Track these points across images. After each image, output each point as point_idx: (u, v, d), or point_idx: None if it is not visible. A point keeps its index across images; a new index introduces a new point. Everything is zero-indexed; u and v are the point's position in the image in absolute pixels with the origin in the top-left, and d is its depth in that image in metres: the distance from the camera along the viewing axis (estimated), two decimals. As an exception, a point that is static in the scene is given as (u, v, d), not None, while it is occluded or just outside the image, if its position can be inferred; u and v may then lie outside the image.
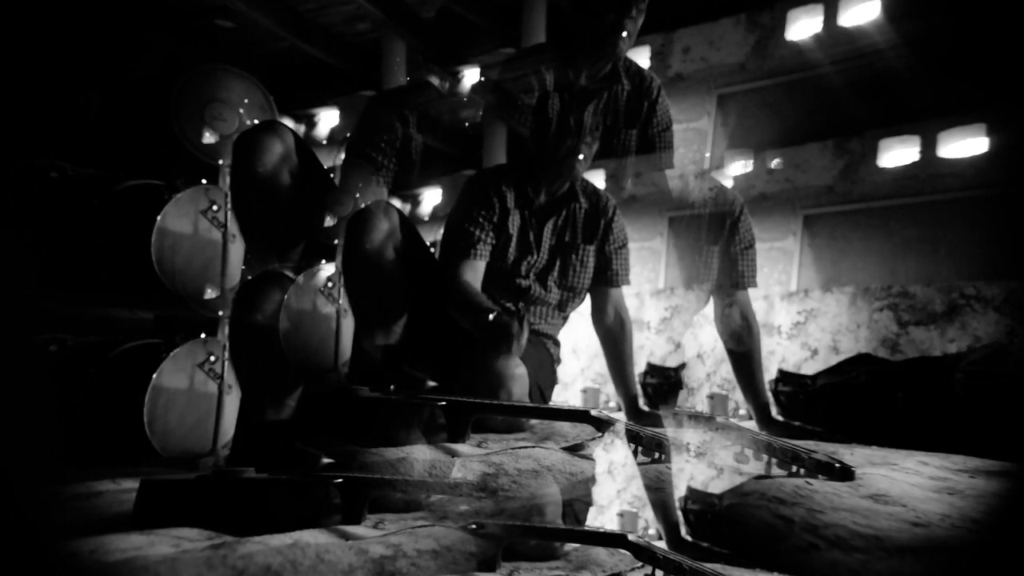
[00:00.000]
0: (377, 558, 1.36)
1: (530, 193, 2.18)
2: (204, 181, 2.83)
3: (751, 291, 2.33)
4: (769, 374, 2.32)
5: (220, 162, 2.84)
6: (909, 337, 2.32)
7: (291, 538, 1.38)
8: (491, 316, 1.89)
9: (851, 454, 1.76)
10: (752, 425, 2.20)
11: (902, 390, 2.06)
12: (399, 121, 2.58)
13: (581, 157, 2.12)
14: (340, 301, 2.36)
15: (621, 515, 2.53)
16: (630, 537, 1.43)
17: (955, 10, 2.46)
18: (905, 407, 2.04)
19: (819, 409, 2.19)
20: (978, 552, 1.32)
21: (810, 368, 2.42)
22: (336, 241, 2.32)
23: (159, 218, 2.70)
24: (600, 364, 2.51)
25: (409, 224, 2.12)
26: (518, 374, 1.98)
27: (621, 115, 2.45)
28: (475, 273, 2.12)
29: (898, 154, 2.54)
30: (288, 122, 3.08)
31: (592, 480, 1.75)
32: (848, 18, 2.71)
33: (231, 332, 2.48)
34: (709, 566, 1.35)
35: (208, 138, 2.83)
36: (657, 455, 1.80)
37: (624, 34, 2.30)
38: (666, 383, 2.55)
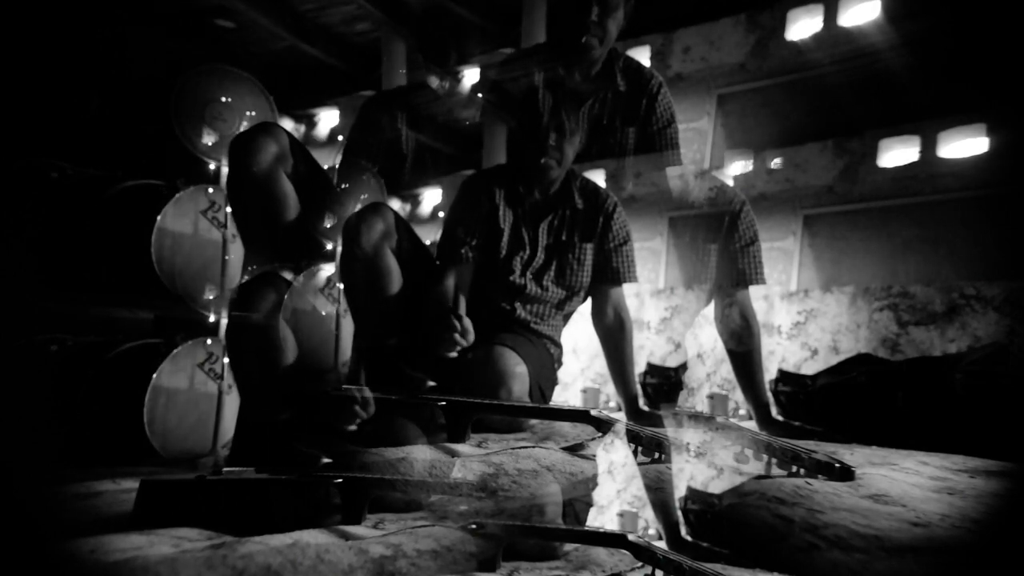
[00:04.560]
0: (377, 558, 1.36)
1: (521, 191, 2.18)
2: (205, 181, 2.83)
3: (756, 288, 2.33)
4: (769, 374, 2.31)
5: (220, 162, 2.85)
6: (909, 337, 2.32)
7: (291, 538, 1.38)
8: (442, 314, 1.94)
9: (851, 454, 1.76)
10: (752, 425, 2.19)
11: (902, 390, 2.06)
12: (394, 121, 2.58)
13: (553, 161, 2.12)
14: (340, 301, 2.36)
15: (621, 515, 2.52)
16: (630, 537, 1.43)
17: (955, 10, 2.46)
18: (905, 407, 2.04)
19: (819, 409, 2.19)
20: (978, 552, 1.32)
21: (810, 368, 2.42)
22: (336, 241, 2.32)
23: (159, 218, 2.70)
24: (600, 364, 2.51)
25: (406, 225, 2.12)
26: (518, 372, 1.99)
27: (619, 114, 2.45)
28: (460, 276, 2.13)
29: (898, 154, 2.54)
30: (288, 122, 3.08)
31: (592, 480, 1.75)
32: (848, 18, 2.71)
33: (229, 332, 2.48)
34: (709, 566, 1.35)
35: (208, 138, 2.83)
36: (657, 455, 1.80)
37: (595, 36, 2.30)
38: (666, 383, 2.54)
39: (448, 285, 2.11)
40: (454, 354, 1.95)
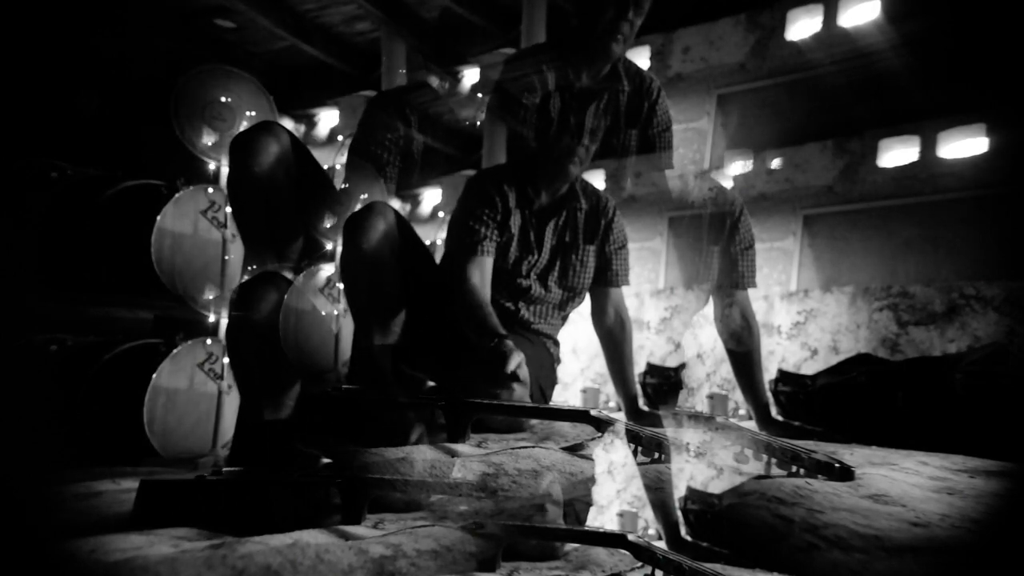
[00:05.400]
0: (377, 558, 1.36)
1: (530, 193, 2.18)
2: (205, 181, 2.84)
3: (751, 291, 2.33)
4: (769, 374, 2.32)
5: (220, 162, 2.85)
6: (909, 337, 2.32)
7: (291, 538, 1.38)
8: (494, 343, 1.86)
9: (851, 454, 1.76)
10: (752, 425, 2.20)
11: (902, 390, 2.06)
12: (400, 120, 2.58)
13: (579, 158, 2.12)
14: (340, 301, 2.35)
15: (621, 515, 2.53)
16: (630, 537, 1.43)
17: (955, 10, 2.46)
18: (905, 407, 2.04)
19: (819, 409, 2.19)
20: (978, 552, 1.32)
21: (810, 368, 2.42)
22: (336, 241, 2.32)
23: (159, 218, 2.71)
24: (600, 364, 2.51)
25: (406, 224, 2.12)
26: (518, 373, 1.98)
27: (621, 115, 2.45)
28: (482, 271, 2.10)
29: (898, 154, 2.54)
30: (288, 122, 3.08)
31: (592, 480, 1.75)
32: (848, 18, 2.71)
33: (229, 332, 2.48)
34: (709, 566, 1.35)
35: (208, 138, 2.84)
36: (657, 455, 1.79)
37: (621, 35, 2.31)
38: (666, 383, 2.55)
39: (483, 280, 2.07)
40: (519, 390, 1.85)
